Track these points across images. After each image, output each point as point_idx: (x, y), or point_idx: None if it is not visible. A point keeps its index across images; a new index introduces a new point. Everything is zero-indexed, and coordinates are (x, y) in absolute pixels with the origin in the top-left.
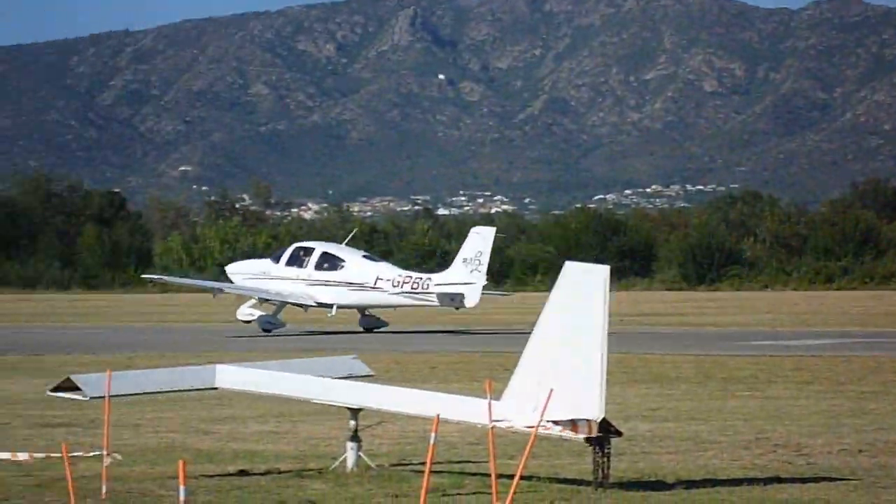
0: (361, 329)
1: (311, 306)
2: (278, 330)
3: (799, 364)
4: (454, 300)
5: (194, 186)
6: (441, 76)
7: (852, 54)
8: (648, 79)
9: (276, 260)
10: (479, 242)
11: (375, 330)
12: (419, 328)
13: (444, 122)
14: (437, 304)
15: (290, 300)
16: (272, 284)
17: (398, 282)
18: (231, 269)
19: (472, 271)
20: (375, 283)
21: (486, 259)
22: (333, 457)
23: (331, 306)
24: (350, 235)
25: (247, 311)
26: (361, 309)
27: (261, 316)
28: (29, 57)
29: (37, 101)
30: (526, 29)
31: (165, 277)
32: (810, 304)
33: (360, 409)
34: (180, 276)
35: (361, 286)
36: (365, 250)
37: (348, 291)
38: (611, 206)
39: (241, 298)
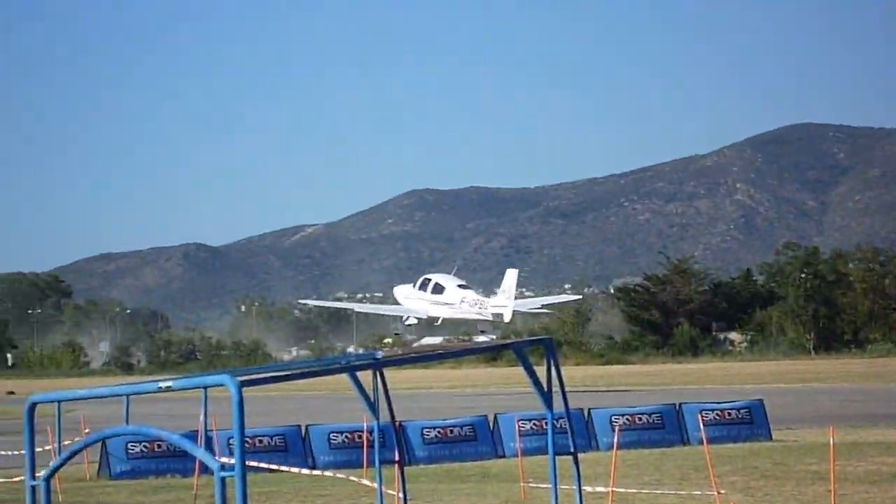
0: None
1: (423, 318)
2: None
3: None
4: (498, 316)
5: None
6: None
7: None
8: None
9: (414, 285)
10: (509, 279)
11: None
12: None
13: None
14: (490, 318)
15: (412, 315)
16: (411, 303)
17: (473, 302)
18: (396, 290)
19: (506, 298)
20: (459, 303)
21: (512, 292)
22: None
23: (437, 319)
24: (455, 268)
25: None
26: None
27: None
28: None
29: None
30: None
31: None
32: None
33: None
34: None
35: (453, 305)
36: (461, 280)
37: (445, 308)
38: None
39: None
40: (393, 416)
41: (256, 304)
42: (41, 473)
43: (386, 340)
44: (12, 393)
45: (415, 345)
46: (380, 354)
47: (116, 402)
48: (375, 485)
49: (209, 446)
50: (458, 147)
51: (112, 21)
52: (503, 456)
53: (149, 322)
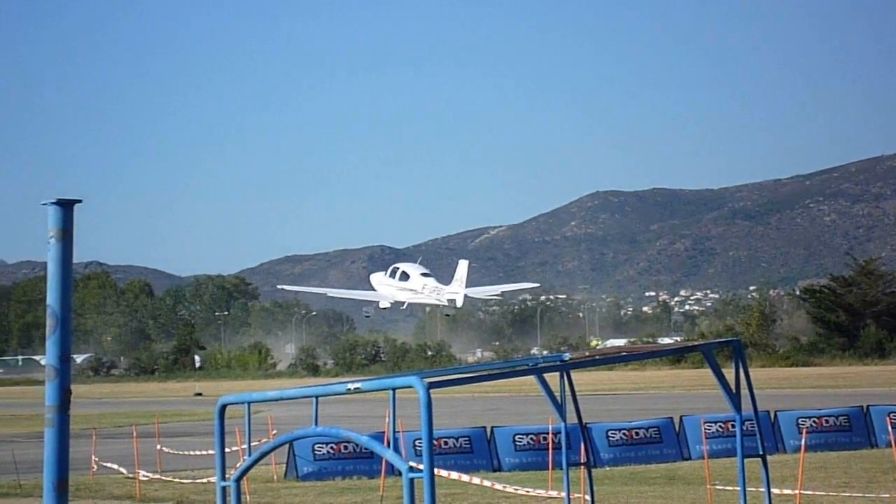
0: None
1: (393, 302)
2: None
3: None
4: (452, 301)
5: None
6: None
7: None
8: None
9: (385, 273)
10: (461, 269)
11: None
12: None
13: None
14: (446, 303)
15: (383, 299)
16: (382, 288)
17: (433, 289)
18: (371, 277)
19: (459, 286)
20: (422, 290)
21: (463, 280)
22: None
23: (403, 303)
24: (419, 259)
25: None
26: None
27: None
28: None
29: None
30: None
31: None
32: None
33: None
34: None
35: (416, 291)
36: (424, 269)
37: (410, 294)
38: None
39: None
40: (580, 418)
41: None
42: (231, 475)
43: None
44: (200, 394)
45: (599, 347)
46: (567, 356)
47: (303, 403)
48: (557, 492)
49: (396, 448)
50: (641, 148)
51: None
52: (689, 458)
53: (334, 324)
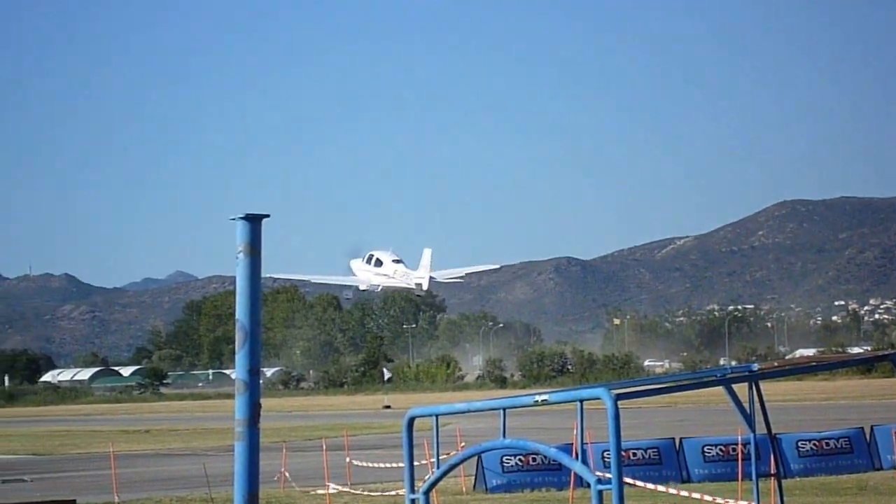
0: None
1: (368, 286)
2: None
3: None
4: (419, 285)
5: None
6: None
7: None
8: None
9: (362, 260)
10: (426, 257)
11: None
12: None
13: None
14: (414, 286)
15: (360, 283)
16: (361, 273)
17: (403, 274)
18: (351, 262)
19: (424, 271)
20: (393, 274)
21: (428, 266)
22: None
23: (378, 286)
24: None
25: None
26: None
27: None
28: None
29: None
30: None
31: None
32: None
33: None
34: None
35: (389, 276)
36: (396, 255)
37: (384, 278)
38: None
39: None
40: (769, 429)
41: (628, 317)
42: (420, 487)
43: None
44: (388, 407)
45: (787, 357)
46: (755, 367)
47: (490, 414)
48: (746, 503)
49: (584, 460)
50: (828, 157)
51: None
52: (880, 468)
53: (521, 336)
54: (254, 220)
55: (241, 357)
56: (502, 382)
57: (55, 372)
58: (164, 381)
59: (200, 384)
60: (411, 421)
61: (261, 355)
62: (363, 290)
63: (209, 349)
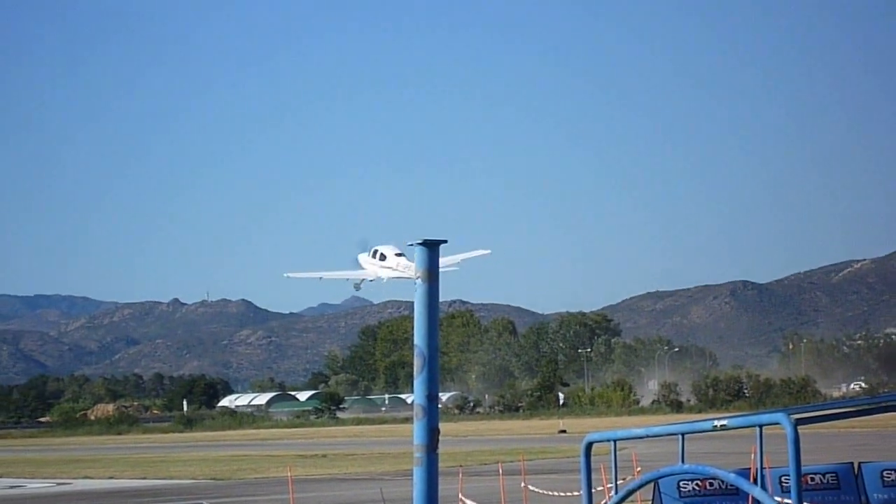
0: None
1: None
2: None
3: None
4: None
5: None
6: None
7: None
8: None
9: (368, 254)
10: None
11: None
12: None
13: None
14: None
15: (368, 277)
16: (368, 267)
17: (405, 266)
18: (360, 257)
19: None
20: (397, 267)
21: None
22: None
23: (384, 278)
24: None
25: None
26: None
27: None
28: None
29: None
30: None
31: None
32: None
33: None
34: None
35: (393, 268)
36: (398, 249)
37: (388, 271)
38: None
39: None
40: None
41: (804, 340)
42: None
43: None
44: (564, 431)
45: None
46: None
47: (666, 439)
48: None
49: (763, 485)
50: None
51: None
52: None
53: (696, 360)
54: (432, 246)
55: (419, 383)
56: (678, 407)
57: (233, 397)
58: (341, 406)
59: (384, 409)
60: (589, 446)
61: (439, 381)
62: (371, 281)
63: (385, 373)
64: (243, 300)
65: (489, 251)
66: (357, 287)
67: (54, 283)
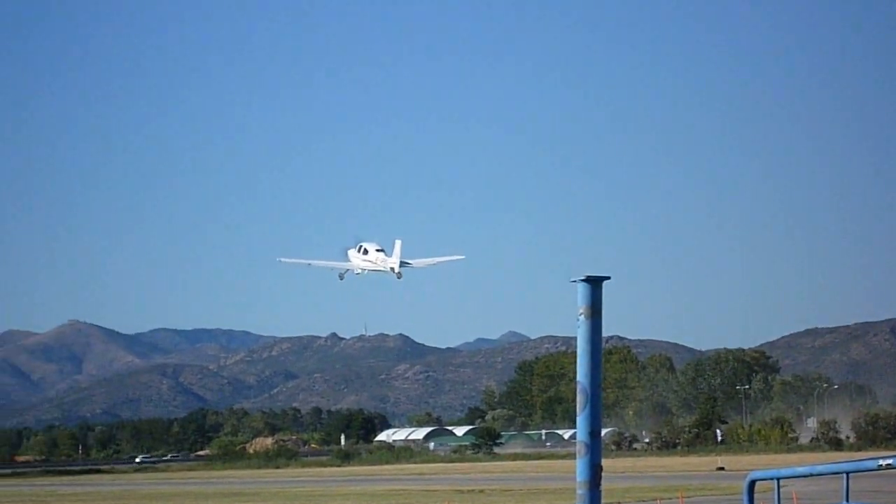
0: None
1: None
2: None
3: None
4: (392, 269)
5: None
6: None
7: None
8: None
9: (355, 250)
10: (397, 248)
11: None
12: None
13: None
14: (390, 270)
15: (352, 269)
16: (354, 260)
17: (382, 260)
18: (349, 251)
19: (395, 259)
20: (375, 261)
21: (398, 255)
22: None
23: (365, 269)
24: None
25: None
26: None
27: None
28: None
29: None
30: None
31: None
32: None
33: None
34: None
35: (372, 262)
36: (379, 245)
37: (369, 264)
38: None
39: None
40: None
41: None
42: None
43: None
44: (722, 469)
45: None
46: None
47: (826, 477)
48: None
49: None
50: None
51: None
52: None
53: (856, 397)
54: (595, 283)
55: (582, 419)
56: (837, 444)
57: (390, 431)
58: (498, 441)
59: (543, 444)
60: (752, 484)
61: (601, 417)
62: (358, 273)
63: (542, 409)
64: (401, 335)
65: (463, 256)
66: (341, 277)
67: (214, 318)
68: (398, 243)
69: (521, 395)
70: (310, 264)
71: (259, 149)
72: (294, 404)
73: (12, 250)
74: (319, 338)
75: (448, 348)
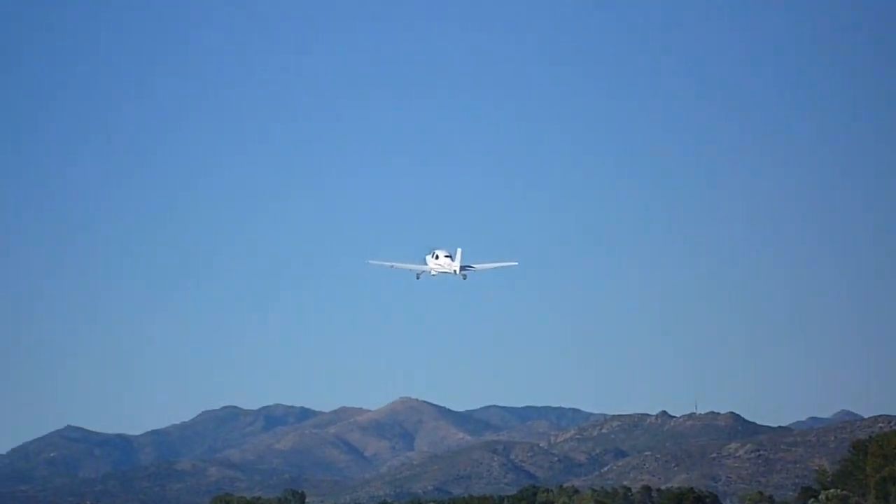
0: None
1: (431, 271)
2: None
3: None
4: (455, 271)
5: None
6: None
7: None
8: None
9: (429, 255)
10: (458, 254)
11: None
12: None
13: None
14: (453, 273)
15: (427, 271)
16: (429, 263)
17: (449, 265)
18: (427, 257)
19: (458, 263)
20: (443, 265)
21: (459, 260)
22: None
23: (435, 271)
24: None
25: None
26: (445, 273)
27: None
28: None
29: None
30: None
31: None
32: None
33: None
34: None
35: (438, 265)
36: (448, 252)
37: (439, 267)
38: None
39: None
40: None
41: None
42: None
43: None
44: None
45: None
46: None
47: None
48: None
49: None
50: None
51: None
52: None
53: None
54: None
55: None
56: None
57: None
58: None
59: None
60: None
61: None
62: (433, 275)
63: (876, 488)
64: (731, 413)
65: (516, 263)
66: (417, 276)
67: (544, 395)
68: (459, 251)
69: (854, 474)
70: (392, 266)
71: None
72: (624, 482)
73: (345, 330)
74: (649, 416)
75: (780, 427)
